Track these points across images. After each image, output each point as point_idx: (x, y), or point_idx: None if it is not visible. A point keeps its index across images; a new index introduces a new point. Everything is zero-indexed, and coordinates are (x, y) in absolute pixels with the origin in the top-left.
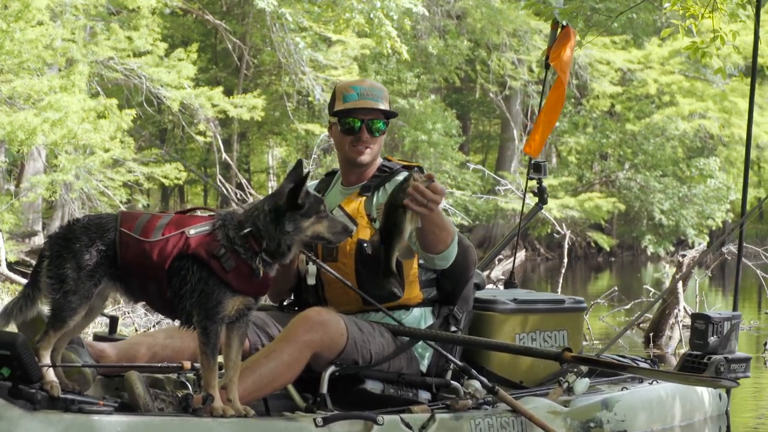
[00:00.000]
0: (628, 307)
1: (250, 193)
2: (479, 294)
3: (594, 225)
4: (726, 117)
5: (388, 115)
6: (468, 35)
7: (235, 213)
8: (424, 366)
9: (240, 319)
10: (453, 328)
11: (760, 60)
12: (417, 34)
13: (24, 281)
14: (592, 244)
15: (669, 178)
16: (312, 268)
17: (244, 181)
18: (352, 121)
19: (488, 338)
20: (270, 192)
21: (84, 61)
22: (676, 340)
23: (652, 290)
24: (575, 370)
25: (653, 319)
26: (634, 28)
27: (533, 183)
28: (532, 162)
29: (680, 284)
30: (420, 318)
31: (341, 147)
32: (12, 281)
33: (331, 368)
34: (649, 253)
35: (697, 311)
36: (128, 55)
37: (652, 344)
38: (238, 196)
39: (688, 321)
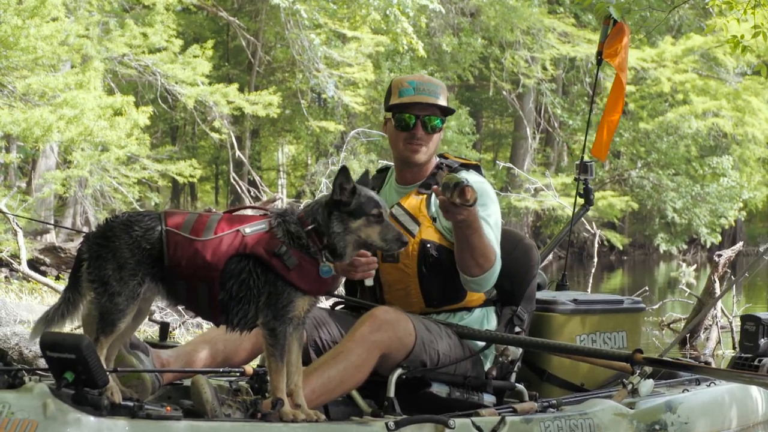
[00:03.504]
0: (656, 306)
1: (264, 191)
2: (538, 295)
3: (607, 223)
4: (739, 115)
5: (446, 111)
6: (482, 33)
7: (293, 209)
8: (486, 367)
9: (301, 322)
10: (517, 329)
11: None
12: (431, 31)
13: (43, 279)
14: (605, 242)
15: (682, 177)
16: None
17: (257, 178)
18: (407, 117)
19: (549, 339)
20: (280, 185)
21: (98, 57)
22: (714, 341)
23: (688, 291)
24: (639, 371)
25: (688, 320)
26: (647, 26)
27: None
28: (581, 162)
29: (717, 285)
30: (482, 319)
31: (395, 144)
32: (29, 279)
33: (399, 371)
34: (661, 251)
35: (737, 313)
36: (143, 52)
37: (688, 345)
38: (251, 193)
39: (724, 322)
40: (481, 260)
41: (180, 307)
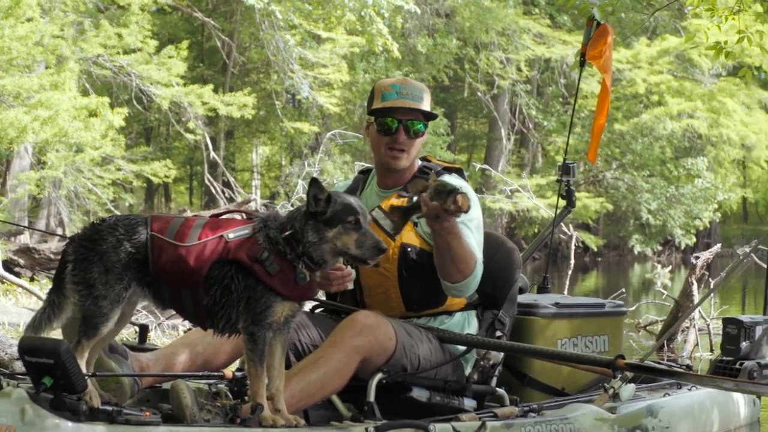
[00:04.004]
0: (632, 309)
1: (238, 192)
2: (520, 298)
3: (581, 225)
4: (714, 117)
5: (429, 116)
6: (457, 34)
7: (277, 214)
8: (467, 371)
9: (284, 326)
10: (498, 333)
11: (746, 60)
12: (406, 32)
13: (17, 280)
14: (579, 243)
15: (656, 178)
16: (350, 270)
17: (231, 179)
18: (389, 121)
19: (529, 343)
20: (254, 187)
21: (73, 58)
22: (692, 344)
23: (665, 293)
24: (621, 376)
25: (666, 323)
26: (622, 27)
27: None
28: (563, 164)
29: (695, 287)
30: (463, 322)
31: (377, 149)
32: (3, 281)
33: (379, 375)
34: (636, 253)
35: (714, 315)
36: (117, 53)
37: (665, 348)
38: (226, 194)
39: (702, 324)
40: (461, 266)
41: (156, 309)
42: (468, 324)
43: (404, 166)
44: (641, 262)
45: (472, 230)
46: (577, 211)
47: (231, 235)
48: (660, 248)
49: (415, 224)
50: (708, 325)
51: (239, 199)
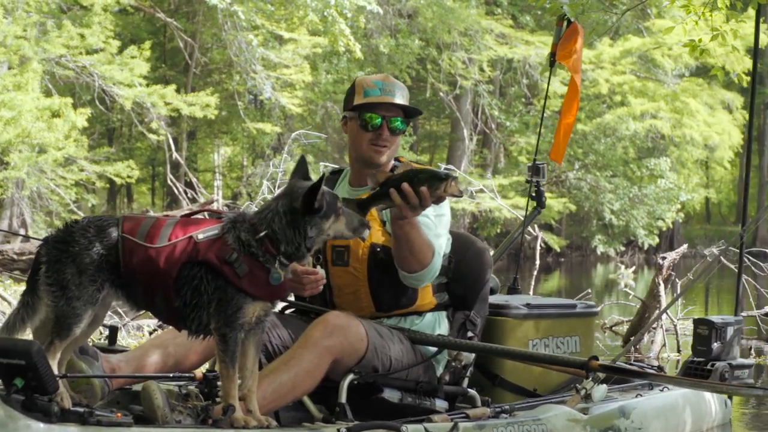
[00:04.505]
0: (597, 309)
1: (201, 192)
2: (491, 299)
3: (544, 225)
4: (677, 117)
5: (409, 114)
6: (419, 34)
7: (245, 214)
8: (439, 372)
9: (257, 326)
10: (470, 334)
11: (711, 60)
12: (368, 32)
13: None
14: (542, 244)
15: (619, 179)
16: (320, 272)
17: (194, 180)
18: (373, 117)
19: (500, 344)
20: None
21: (36, 58)
22: (659, 345)
23: (632, 293)
24: (593, 377)
25: (633, 323)
26: (586, 28)
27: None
28: (533, 165)
29: (662, 287)
30: (434, 323)
31: (358, 145)
32: None
33: (350, 376)
34: (598, 253)
35: (680, 316)
36: (80, 53)
37: (632, 348)
38: (188, 195)
39: (669, 325)
40: (419, 257)
41: (130, 311)
42: (439, 325)
43: (385, 161)
44: (604, 263)
45: (437, 223)
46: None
47: (200, 236)
48: (623, 249)
49: (384, 223)
50: (675, 325)
51: (202, 200)
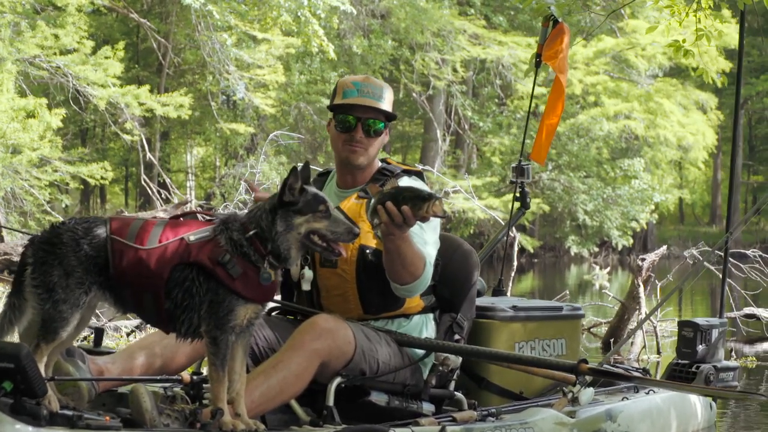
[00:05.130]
0: None
1: (174, 193)
2: (477, 301)
3: (517, 226)
4: (651, 118)
5: (389, 116)
6: (392, 34)
7: (236, 215)
8: (425, 375)
9: (246, 329)
10: (457, 337)
11: (691, 62)
12: (341, 33)
13: None
14: (515, 245)
15: (593, 179)
16: (308, 273)
17: (168, 180)
18: (348, 118)
19: (486, 346)
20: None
21: (10, 59)
22: (639, 346)
23: (611, 295)
24: (581, 380)
25: (612, 325)
26: (571, 28)
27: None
28: (517, 165)
29: (641, 289)
30: (421, 326)
31: (336, 145)
32: None
33: (338, 379)
34: (572, 254)
35: (660, 318)
36: (54, 53)
37: (612, 350)
38: (162, 195)
39: (648, 327)
40: (411, 269)
41: (117, 313)
42: (426, 327)
43: (362, 162)
44: (578, 264)
45: (425, 229)
46: (514, 212)
47: (192, 237)
48: (596, 250)
49: (375, 226)
50: (654, 327)
51: (176, 200)
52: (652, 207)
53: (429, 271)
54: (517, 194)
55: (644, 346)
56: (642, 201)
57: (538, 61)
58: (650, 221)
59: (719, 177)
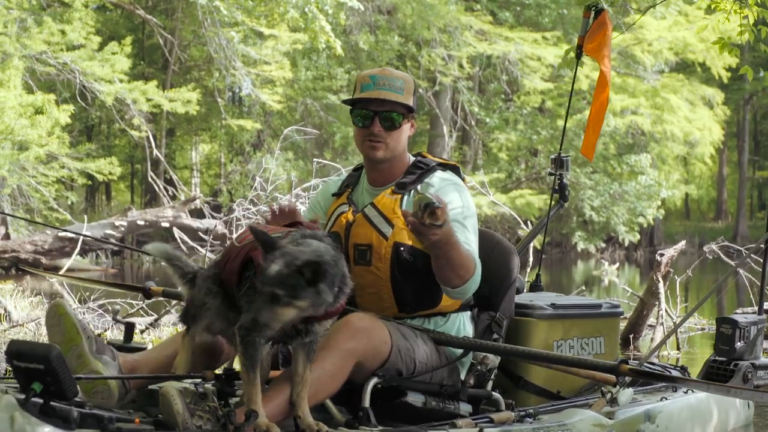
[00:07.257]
0: None
1: (181, 189)
2: (515, 298)
3: (524, 221)
4: (658, 113)
5: (409, 108)
6: (399, 30)
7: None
8: (462, 375)
9: (299, 336)
10: (495, 336)
11: (690, 56)
12: (347, 29)
13: None
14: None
15: (600, 175)
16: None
17: (174, 177)
18: (364, 112)
19: (524, 345)
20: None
21: (17, 55)
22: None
23: (630, 290)
24: (620, 380)
25: (630, 320)
26: (565, 24)
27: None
28: (557, 157)
29: (661, 284)
30: (458, 324)
31: (357, 141)
32: None
33: (374, 380)
34: (579, 250)
35: (678, 313)
36: (61, 49)
37: (631, 346)
38: (169, 192)
39: (670, 323)
40: (461, 272)
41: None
42: (463, 326)
43: (383, 157)
44: (584, 259)
45: (469, 229)
46: (521, 208)
47: None
48: (603, 245)
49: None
50: (674, 323)
51: (182, 197)
52: (659, 203)
53: (479, 271)
54: (556, 186)
55: (664, 342)
56: (649, 197)
57: (579, 53)
58: (657, 217)
59: (725, 172)
